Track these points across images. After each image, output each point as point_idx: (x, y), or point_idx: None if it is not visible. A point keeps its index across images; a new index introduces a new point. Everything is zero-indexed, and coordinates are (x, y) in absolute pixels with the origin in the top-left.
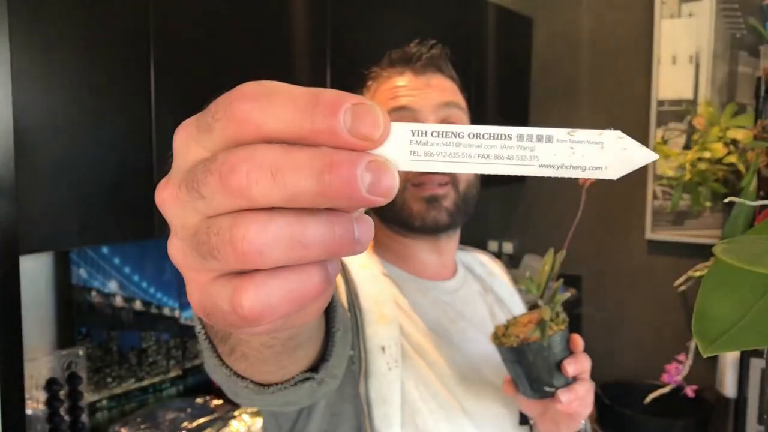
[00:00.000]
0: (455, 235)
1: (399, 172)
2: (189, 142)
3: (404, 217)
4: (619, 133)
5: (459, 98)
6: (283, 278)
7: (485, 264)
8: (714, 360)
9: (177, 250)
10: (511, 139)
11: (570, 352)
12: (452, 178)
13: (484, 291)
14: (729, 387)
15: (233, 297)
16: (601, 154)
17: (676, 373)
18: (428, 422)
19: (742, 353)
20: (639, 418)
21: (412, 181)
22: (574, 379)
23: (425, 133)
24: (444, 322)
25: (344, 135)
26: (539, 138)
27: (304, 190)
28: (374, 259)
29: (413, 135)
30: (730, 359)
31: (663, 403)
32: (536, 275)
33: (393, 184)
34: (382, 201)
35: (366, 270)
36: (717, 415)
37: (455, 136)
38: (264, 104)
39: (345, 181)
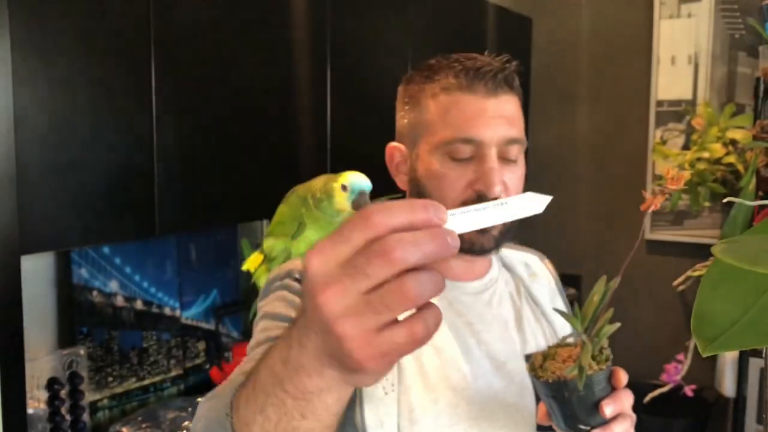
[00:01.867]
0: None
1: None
2: (328, 257)
3: None
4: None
5: (522, 126)
6: (431, 312)
7: (530, 265)
8: (713, 359)
9: (349, 326)
10: (489, 206)
11: (612, 388)
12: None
13: (518, 293)
14: (728, 386)
15: (411, 330)
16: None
17: (675, 372)
18: None
19: (741, 353)
20: (638, 418)
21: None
22: (613, 418)
23: (455, 213)
24: (459, 324)
25: (435, 220)
26: (499, 203)
27: (429, 253)
28: None
29: (452, 214)
30: (729, 359)
31: (662, 402)
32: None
33: (458, 242)
34: (455, 252)
35: None
36: (716, 414)
37: (473, 210)
38: (387, 213)
39: (444, 244)
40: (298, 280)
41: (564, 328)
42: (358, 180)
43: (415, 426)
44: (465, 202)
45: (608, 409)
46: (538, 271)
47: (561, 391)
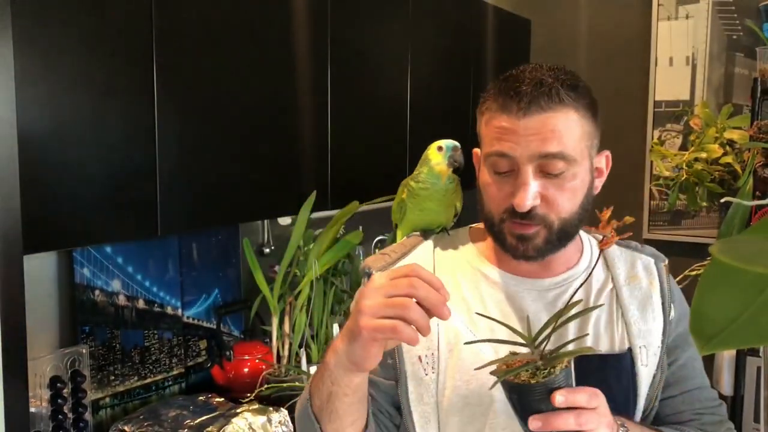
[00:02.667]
0: (557, 252)
1: (500, 206)
2: (379, 283)
3: (501, 242)
4: None
5: (569, 139)
6: (419, 327)
7: (636, 267)
8: (711, 358)
9: (368, 305)
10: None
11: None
12: (543, 221)
13: (601, 294)
14: (725, 385)
15: (395, 326)
16: None
17: None
18: (464, 419)
19: (739, 352)
20: None
21: (508, 218)
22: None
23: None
24: (513, 317)
25: (443, 291)
26: None
27: (433, 301)
28: (429, 263)
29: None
30: (726, 358)
31: None
32: None
33: (450, 312)
34: (447, 315)
35: None
36: None
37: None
38: (425, 271)
39: (440, 306)
40: (368, 275)
41: (641, 334)
42: (449, 140)
43: (449, 403)
44: (505, 212)
45: (534, 423)
46: (642, 275)
47: (509, 392)
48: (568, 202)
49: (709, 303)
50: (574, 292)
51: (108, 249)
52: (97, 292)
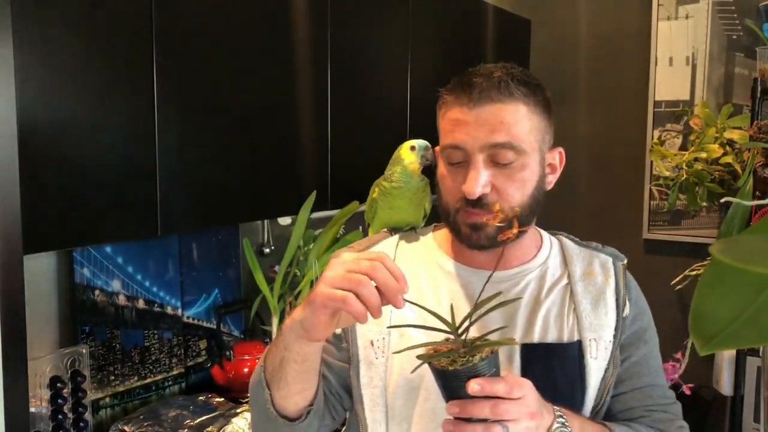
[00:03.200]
0: (512, 245)
1: (454, 197)
2: (343, 259)
3: (456, 233)
4: None
5: (518, 131)
6: (368, 305)
7: (593, 264)
8: (711, 358)
9: (329, 274)
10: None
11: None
12: (493, 209)
13: (550, 292)
14: (725, 385)
15: (346, 299)
16: None
17: (673, 371)
18: (408, 403)
19: (738, 352)
20: None
21: (462, 208)
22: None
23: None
24: (464, 306)
25: (402, 282)
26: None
27: (391, 287)
28: (390, 255)
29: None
30: (726, 358)
31: None
32: None
33: (403, 303)
34: (401, 304)
35: None
36: (713, 413)
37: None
38: (389, 260)
39: (396, 294)
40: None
41: (592, 327)
42: (420, 140)
43: (395, 387)
44: (459, 201)
45: (473, 387)
46: (598, 271)
47: (435, 376)
48: (517, 191)
49: (709, 303)
50: (526, 285)
51: (108, 249)
52: (97, 292)
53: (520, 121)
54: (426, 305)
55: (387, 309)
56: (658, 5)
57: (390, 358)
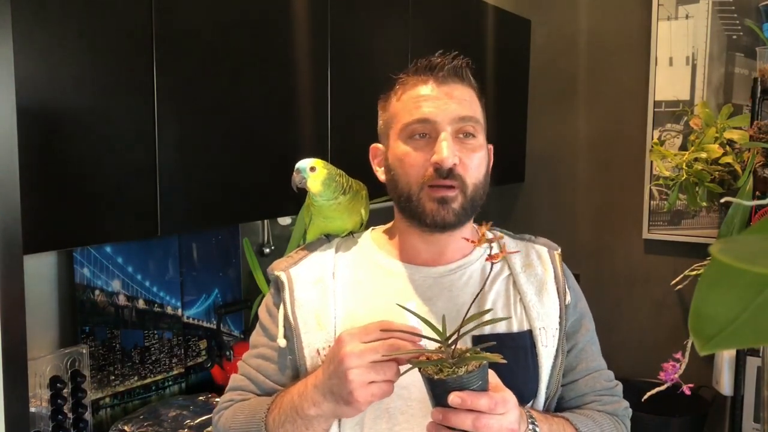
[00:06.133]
0: (457, 232)
1: (419, 173)
2: (357, 337)
3: (419, 213)
4: None
5: (476, 109)
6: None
7: (530, 256)
8: (710, 358)
9: (356, 376)
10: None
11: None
12: (461, 183)
13: (492, 282)
14: (725, 385)
15: (383, 389)
16: None
17: (673, 371)
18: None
19: (739, 352)
20: (636, 416)
21: (428, 183)
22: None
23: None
24: (407, 304)
25: (416, 338)
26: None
27: (405, 347)
28: (329, 262)
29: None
30: (726, 358)
31: (660, 401)
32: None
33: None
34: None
35: (314, 277)
36: (713, 412)
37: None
38: (389, 345)
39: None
40: (274, 277)
41: (540, 316)
42: (299, 162)
43: None
44: (424, 177)
45: (453, 399)
46: (536, 263)
47: (424, 381)
48: (477, 169)
49: (709, 303)
50: (469, 278)
51: (108, 249)
52: (97, 292)
53: (475, 102)
54: (374, 306)
55: (331, 316)
56: (658, 5)
57: None
